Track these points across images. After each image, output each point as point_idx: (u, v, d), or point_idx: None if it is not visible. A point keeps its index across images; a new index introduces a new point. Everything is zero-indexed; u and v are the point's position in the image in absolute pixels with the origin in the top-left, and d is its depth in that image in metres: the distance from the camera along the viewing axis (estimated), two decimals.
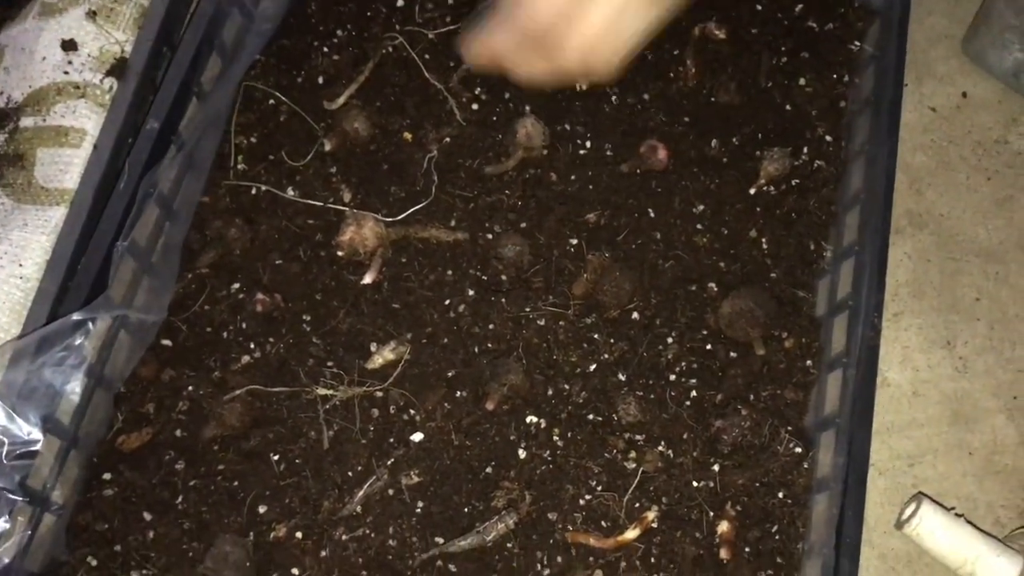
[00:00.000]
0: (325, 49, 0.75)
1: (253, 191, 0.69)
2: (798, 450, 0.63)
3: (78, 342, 0.58)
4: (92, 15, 0.70)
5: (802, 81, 0.75)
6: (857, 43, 0.76)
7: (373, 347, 0.65)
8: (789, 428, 0.63)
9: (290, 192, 0.69)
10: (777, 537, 0.61)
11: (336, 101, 0.73)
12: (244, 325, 0.65)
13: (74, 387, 0.59)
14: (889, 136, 0.68)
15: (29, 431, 0.56)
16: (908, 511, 0.63)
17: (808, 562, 0.59)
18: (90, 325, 0.58)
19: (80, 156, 0.66)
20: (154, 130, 0.65)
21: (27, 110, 0.68)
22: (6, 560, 0.54)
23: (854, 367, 0.61)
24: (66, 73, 0.69)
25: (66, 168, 0.66)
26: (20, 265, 0.62)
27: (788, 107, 0.74)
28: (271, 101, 0.73)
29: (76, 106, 0.68)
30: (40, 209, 0.65)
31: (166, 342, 0.65)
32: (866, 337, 0.61)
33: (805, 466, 0.62)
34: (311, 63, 0.74)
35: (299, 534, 0.59)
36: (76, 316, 0.57)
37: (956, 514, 0.65)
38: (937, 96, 0.81)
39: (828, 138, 0.73)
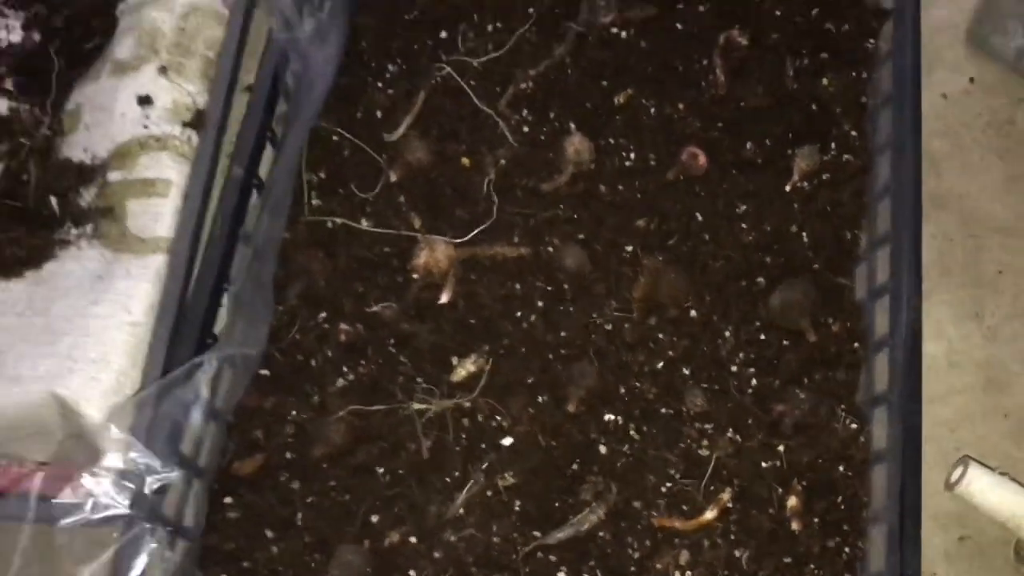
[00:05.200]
0: (379, 84, 0.80)
1: (329, 224, 0.75)
2: (854, 426, 0.69)
3: (194, 383, 0.64)
4: (163, 70, 0.75)
5: (824, 81, 0.80)
6: (872, 41, 0.82)
7: (455, 361, 0.71)
8: (843, 406, 0.69)
9: (364, 223, 0.75)
10: (842, 507, 0.67)
11: (395, 132, 0.78)
12: (336, 351, 0.71)
13: (194, 422, 0.65)
14: (913, 128, 0.73)
15: (164, 466, 0.61)
16: (956, 473, 0.70)
17: (874, 528, 0.65)
18: (205, 366, 0.64)
19: (169, 205, 0.71)
20: (239, 176, 0.70)
21: (113, 165, 0.73)
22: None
23: (900, 347, 0.66)
24: (145, 127, 0.74)
25: (157, 217, 0.71)
26: (129, 312, 0.67)
27: (814, 106, 0.80)
28: (335, 138, 0.78)
29: (159, 158, 0.73)
30: (138, 258, 0.70)
31: (265, 372, 0.70)
32: (910, 318, 0.67)
33: (862, 440, 0.68)
34: (368, 99, 0.79)
35: (412, 538, 0.65)
36: (196, 360, 0.63)
37: (1000, 473, 0.71)
38: (947, 83, 0.87)
39: (853, 133, 0.79)
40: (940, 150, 0.84)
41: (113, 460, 0.60)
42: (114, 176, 0.73)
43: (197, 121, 0.73)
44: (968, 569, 0.71)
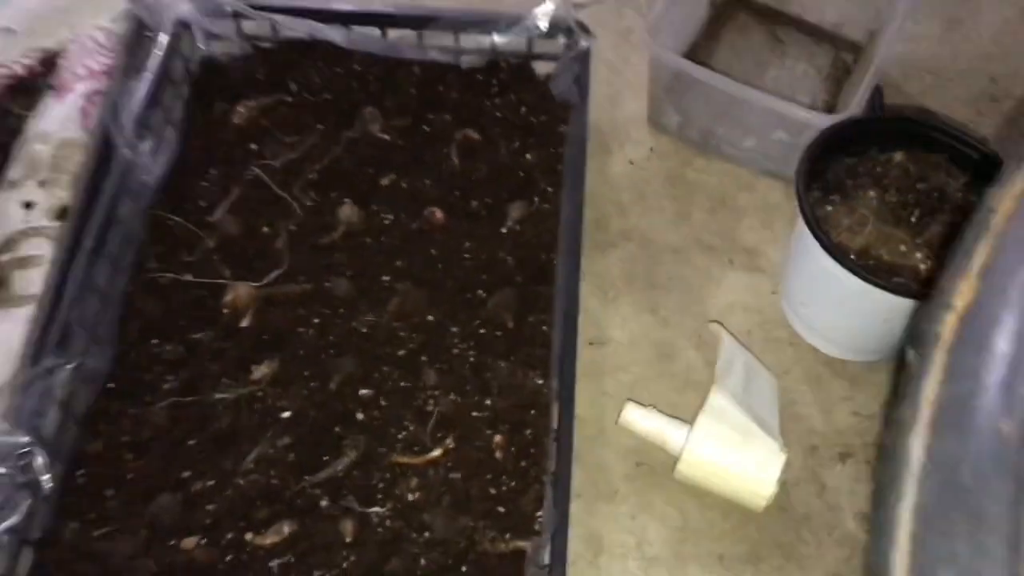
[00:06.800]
0: (204, 183, 1.09)
1: (162, 280, 1.02)
2: (540, 382, 0.94)
3: (52, 384, 0.89)
4: (42, 183, 1.04)
5: (529, 156, 1.11)
6: (564, 126, 1.13)
7: (253, 367, 0.96)
8: (536, 370, 0.95)
9: (187, 276, 1.02)
10: (531, 437, 0.91)
11: (215, 215, 1.06)
12: (164, 366, 0.96)
13: (52, 415, 0.89)
14: (578, 183, 1.03)
15: (29, 441, 0.85)
16: (621, 412, 0.95)
17: (551, 447, 0.89)
18: (59, 372, 0.89)
19: (42, 272, 0.98)
20: (89, 248, 0.97)
21: (3, 250, 1.01)
22: (15, 519, 0.82)
23: (563, 327, 0.93)
24: (27, 222, 1.02)
25: (32, 282, 0.98)
26: (10, 347, 0.93)
27: (522, 174, 1.10)
28: (169, 222, 1.06)
29: (37, 242, 1.01)
30: (18, 309, 0.96)
31: (111, 385, 0.95)
32: (569, 306, 0.94)
33: (545, 391, 0.94)
34: (195, 193, 1.08)
35: (211, 483, 0.88)
36: (48, 363, 0.88)
37: (658, 410, 0.96)
38: (634, 153, 1.18)
39: (550, 190, 1.08)
40: (629, 199, 1.14)
41: None
42: (4, 259, 1.01)
43: (63, 215, 1.02)
44: (643, 485, 0.95)
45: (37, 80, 1.16)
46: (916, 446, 0.33)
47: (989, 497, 0.31)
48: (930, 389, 0.35)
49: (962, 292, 0.36)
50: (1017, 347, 0.35)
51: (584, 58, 1.12)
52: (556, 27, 1.13)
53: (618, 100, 1.23)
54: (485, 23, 1.14)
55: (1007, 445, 0.33)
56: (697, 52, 1.26)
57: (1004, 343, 0.34)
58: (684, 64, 1.07)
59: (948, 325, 0.36)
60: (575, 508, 0.92)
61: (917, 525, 0.32)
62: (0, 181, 1.07)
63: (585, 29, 1.12)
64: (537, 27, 1.13)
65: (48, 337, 0.91)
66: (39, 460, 0.86)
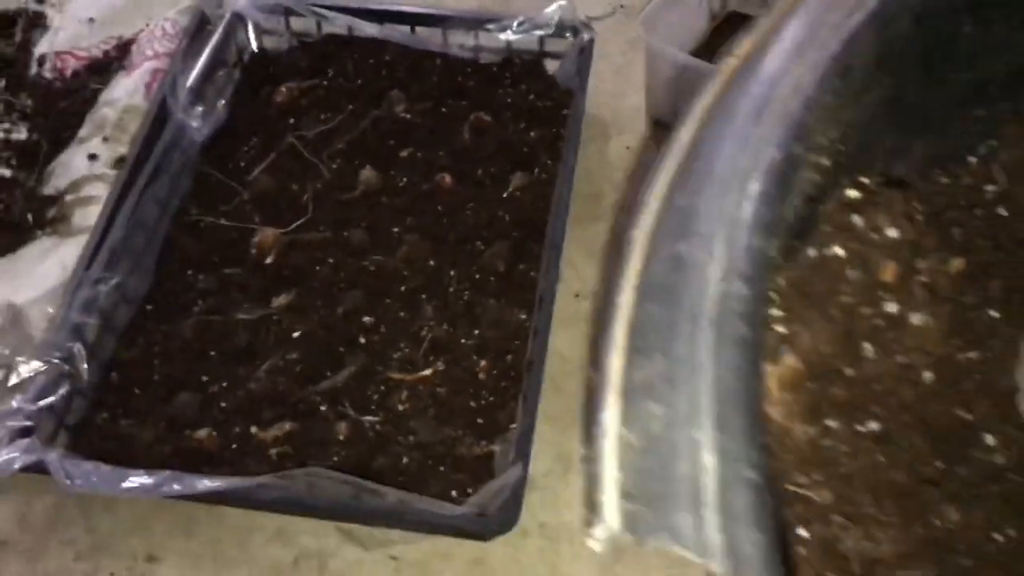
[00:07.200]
0: (245, 148, 1.23)
1: (201, 224, 1.15)
2: (524, 317, 1.04)
3: (97, 295, 1.02)
4: (105, 139, 1.20)
5: (533, 134, 1.23)
6: (566, 110, 1.25)
7: (273, 298, 1.09)
8: (524, 309, 1.06)
9: (223, 221, 1.15)
10: (512, 363, 1.01)
11: (252, 174, 1.21)
12: (196, 293, 1.09)
13: (93, 323, 1.02)
14: (571, 158, 1.15)
15: (73, 337, 0.98)
16: None
17: (528, 373, 0.99)
18: (104, 284, 1.03)
19: (99, 208, 1.13)
20: (139, 188, 1.12)
21: (68, 192, 1.16)
22: (53, 399, 0.95)
23: (547, 273, 1.04)
24: (90, 171, 1.18)
25: (90, 216, 1.13)
26: (63, 265, 1.08)
27: (525, 149, 1.22)
28: (212, 179, 1.20)
29: (97, 186, 1.16)
30: (74, 238, 1.11)
31: (149, 306, 1.09)
32: (551, 256, 1.05)
33: (528, 325, 1.04)
34: (237, 156, 1.23)
35: (225, 384, 1.00)
36: (96, 273, 1.02)
37: None
38: (631, 141, 1.29)
39: (549, 162, 1.20)
40: (622, 178, 1.25)
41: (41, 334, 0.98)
42: (68, 199, 1.16)
43: (120, 164, 1.17)
44: None
45: (112, 62, 1.33)
46: (685, 133, 0.43)
47: (727, 152, 0.41)
48: (706, 98, 0.45)
49: (744, 45, 0.46)
50: (772, 82, 0.44)
51: (587, 48, 1.24)
52: (563, 27, 1.27)
53: (621, 96, 1.35)
54: (500, 20, 1.28)
55: (748, 118, 0.42)
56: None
57: (763, 78, 0.44)
58: (674, 53, 1.19)
59: (729, 64, 0.46)
60: (551, 431, 1.02)
61: (673, 173, 0.41)
62: (73, 139, 1.23)
63: (588, 27, 1.26)
64: (546, 25, 1.27)
65: (98, 253, 1.05)
66: (80, 355, 0.99)
